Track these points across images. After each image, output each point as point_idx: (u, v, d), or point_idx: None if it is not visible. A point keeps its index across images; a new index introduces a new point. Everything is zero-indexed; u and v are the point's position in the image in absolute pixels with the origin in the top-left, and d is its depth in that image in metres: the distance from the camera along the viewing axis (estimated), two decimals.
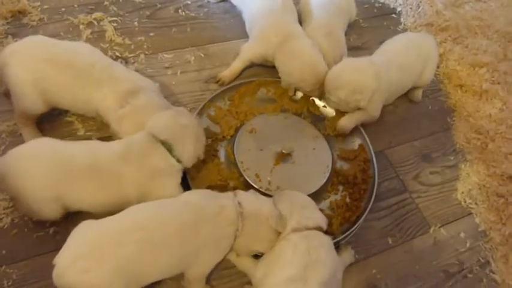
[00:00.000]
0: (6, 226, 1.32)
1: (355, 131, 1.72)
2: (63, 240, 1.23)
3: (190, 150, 1.31)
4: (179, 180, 1.33)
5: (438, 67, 2.07)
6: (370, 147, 1.67)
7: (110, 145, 1.27)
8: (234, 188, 1.50)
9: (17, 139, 1.49)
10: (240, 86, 1.75)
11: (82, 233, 1.11)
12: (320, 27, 1.81)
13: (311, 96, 1.75)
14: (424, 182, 1.71)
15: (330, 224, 1.47)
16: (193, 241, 1.16)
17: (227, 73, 1.76)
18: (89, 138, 1.53)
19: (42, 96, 1.38)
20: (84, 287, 1.04)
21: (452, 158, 1.80)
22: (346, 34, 2.06)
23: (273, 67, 1.77)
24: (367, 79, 1.62)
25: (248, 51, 1.76)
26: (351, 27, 2.14)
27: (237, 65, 1.77)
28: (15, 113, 1.44)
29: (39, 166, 1.19)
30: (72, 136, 1.53)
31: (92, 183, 1.21)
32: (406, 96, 1.93)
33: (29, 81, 1.35)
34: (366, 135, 1.69)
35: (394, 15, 2.29)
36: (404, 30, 2.22)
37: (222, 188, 1.49)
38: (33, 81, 1.35)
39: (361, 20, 2.21)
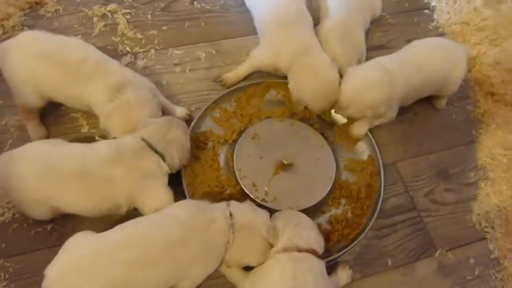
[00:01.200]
0: (7, 220, 1.38)
1: (366, 141, 1.63)
2: (60, 237, 1.27)
3: (176, 162, 1.34)
4: (166, 181, 1.34)
5: (469, 71, 1.90)
6: (380, 160, 1.58)
7: (99, 149, 1.28)
8: (230, 196, 1.48)
9: (25, 133, 1.53)
10: (248, 87, 1.69)
11: (74, 247, 1.13)
12: (335, 28, 1.69)
13: None
14: (437, 199, 1.60)
15: (327, 240, 1.43)
16: (183, 257, 1.16)
17: (232, 75, 1.70)
18: (92, 135, 1.55)
19: (37, 91, 1.39)
20: None
21: (472, 174, 1.67)
22: (369, 31, 1.94)
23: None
24: (381, 93, 1.52)
25: (257, 59, 1.68)
26: (376, 24, 1.99)
27: (243, 69, 1.70)
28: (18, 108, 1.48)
29: (29, 169, 1.22)
30: (75, 133, 1.56)
31: (80, 187, 1.23)
32: (429, 102, 1.79)
33: (22, 77, 1.37)
34: (376, 147, 1.60)
35: (426, 11, 2.11)
36: (436, 28, 2.05)
37: (219, 194, 1.48)
38: (27, 77, 1.37)
39: (388, 16, 2.06)
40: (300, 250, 1.22)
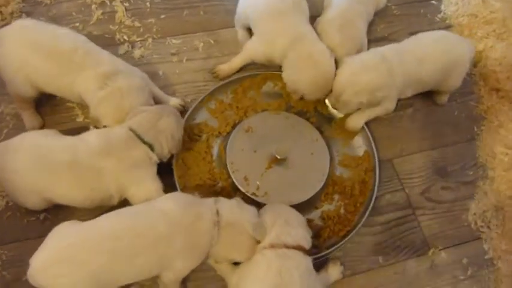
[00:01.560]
0: (1, 208, 1.40)
1: (362, 136, 1.60)
2: (52, 227, 1.27)
3: (165, 151, 1.35)
4: (155, 172, 1.34)
5: (475, 66, 1.85)
6: (376, 155, 1.55)
7: (89, 140, 1.28)
8: (222, 189, 1.48)
9: (20, 122, 1.53)
10: (245, 78, 1.66)
11: (60, 236, 1.14)
12: (335, 18, 1.64)
13: None
14: (433, 197, 1.57)
15: (317, 236, 1.42)
16: (167, 251, 1.16)
17: (225, 67, 1.68)
18: (87, 125, 1.55)
19: (28, 81, 1.39)
20: None
21: (471, 173, 1.63)
22: (373, 22, 1.90)
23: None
24: (378, 77, 1.49)
25: (251, 51, 1.65)
26: (380, 15, 1.94)
27: (237, 61, 1.67)
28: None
29: (22, 161, 1.23)
30: (71, 122, 1.56)
31: (71, 178, 1.24)
32: (431, 98, 1.75)
33: (13, 66, 1.37)
34: (373, 142, 1.57)
35: (433, 2, 2.04)
36: (443, 20, 1.98)
37: (211, 187, 1.47)
38: (17, 66, 1.36)
39: (393, 7, 1.99)
40: (287, 247, 1.21)
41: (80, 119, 1.57)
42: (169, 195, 1.29)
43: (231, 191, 1.46)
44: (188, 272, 1.23)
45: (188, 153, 1.51)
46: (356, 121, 1.59)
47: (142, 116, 1.33)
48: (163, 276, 1.22)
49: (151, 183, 1.31)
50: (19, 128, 1.52)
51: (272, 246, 1.21)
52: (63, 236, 1.14)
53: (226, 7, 1.89)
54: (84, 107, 1.57)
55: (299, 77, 1.54)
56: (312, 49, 1.53)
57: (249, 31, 1.76)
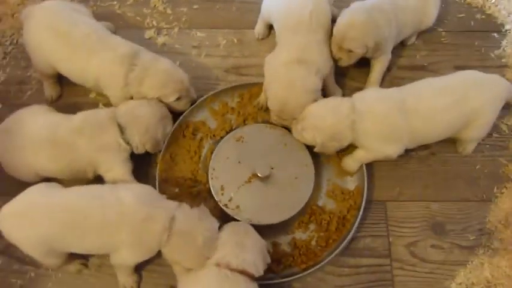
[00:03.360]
0: None
1: (358, 170, 1.50)
2: None
3: (135, 139, 1.40)
4: (124, 158, 1.41)
5: None
6: (365, 195, 1.45)
7: (74, 119, 1.41)
8: (199, 192, 1.50)
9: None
10: (254, 85, 1.63)
11: (32, 193, 1.27)
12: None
13: None
14: (418, 254, 1.44)
15: (279, 262, 1.40)
16: (112, 239, 1.23)
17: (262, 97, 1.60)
18: (97, 102, 1.66)
19: (45, 60, 1.51)
20: (11, 238, 1.25)
21: (472, 237, 1.46)
22: (413, 46, 1.76)
23: None
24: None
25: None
26: (425, 39, 1.77)
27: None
28: None
29: (13, 140, 1.38)
30: (83, 96, 1.67)
31: (50, 152, 1.36)
32: (454, 143, 1.57)
33: (34, 45, 1.50)
34: (366, 180, 1.47)
35: (495, 34, 1.79)
36: (499, 57, 1.74)
37: (189, 188, 1.50)
38: (37, 46, 1.49)
39: (443, 33, 1.79)
40: (231, 269, 1.21)
41: (93, 95, 1.68)
42: (136, 186, 1.35)
43: (207, 197, 1.48)
44: (134, 263, 1.30)
45: (178, 149, 1.55)
46: (351, 164, 1.49)
47: (130, 102, 1.41)
48: (111, 258, 1.30)
49: (119, 168, 1.39)
50: (42, 93, 1.67)
51: (218, 265, 1.22)
52: (34, 194, 1.27)
53: (259, 6, 1.83)
54: None
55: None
56: (295, 75, 1.43)
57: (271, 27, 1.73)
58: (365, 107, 1.40)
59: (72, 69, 1.51)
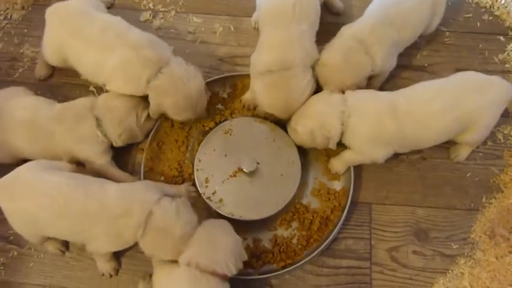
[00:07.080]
0: None
1: (346, 172, 1.48)
2: None
3: (110, 131, 1.41)
4: (103, 149, 1.42)
5: None
6: (350, 196, 1.43)
7: (55, 106, 1.41)
8: (183, 183, 1.48)
9: (36, 65, 1.66)
10: (247, 77, 1.58)
11: (27, 169, 1.27)
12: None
13: None
14: (399, 259, 1.43)
15: (258, 258, 1.40)
16: (88, 229, 1.24)
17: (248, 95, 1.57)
18: (87, 84, 1.64)
19: (59, 57, 1.51)
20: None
21: (455, 246, 1.44)
22: (415, 45, 1.67)
23: None
24: None
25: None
26: (428, 39, 1.70)
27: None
28: None
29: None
30: (74, 77, 1.64)
31: (27, 135, 1.37)
32: (446, 149, 1.54)
33: (50, 40, 1.50)
34: (352, 182, 1.45)
35: (501, 38, 1.72)
36: (503, 62, 1.68)
37: (174, 178, 1.50)
38: (53, 42, 1.49)
39: (447, 33, 1.73)
40: (200, 269, 1.19)
41: (84, 77, 1.65)
42: (126, 179, 1.39)
43: (191, 188, 1.47)
44: (108, 253, 1.32)
45: (166, 138, 1.54)
46: (338, 166, 1.47)
47: (105, 94, 1.44)
48: (87, 247, 1.30)
49: (97, 159, 1.40)
50: (33, 70, 1.66)
51: (188, 264, 1.19)
52: (28, 170, 1.27)
53: None
54: None
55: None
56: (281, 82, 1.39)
57: None
58: (356, 102, 1.36)
59: (87, 66, 1.47)
